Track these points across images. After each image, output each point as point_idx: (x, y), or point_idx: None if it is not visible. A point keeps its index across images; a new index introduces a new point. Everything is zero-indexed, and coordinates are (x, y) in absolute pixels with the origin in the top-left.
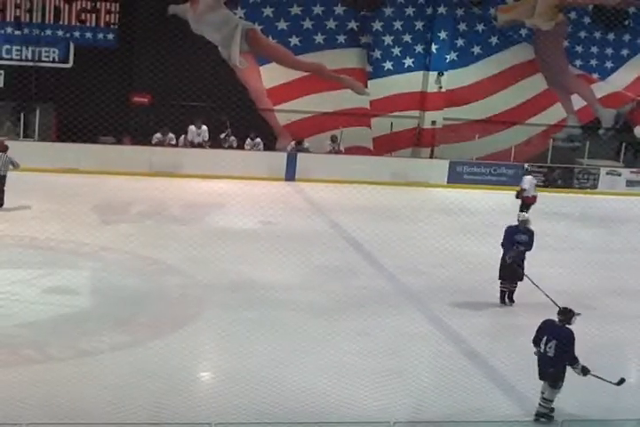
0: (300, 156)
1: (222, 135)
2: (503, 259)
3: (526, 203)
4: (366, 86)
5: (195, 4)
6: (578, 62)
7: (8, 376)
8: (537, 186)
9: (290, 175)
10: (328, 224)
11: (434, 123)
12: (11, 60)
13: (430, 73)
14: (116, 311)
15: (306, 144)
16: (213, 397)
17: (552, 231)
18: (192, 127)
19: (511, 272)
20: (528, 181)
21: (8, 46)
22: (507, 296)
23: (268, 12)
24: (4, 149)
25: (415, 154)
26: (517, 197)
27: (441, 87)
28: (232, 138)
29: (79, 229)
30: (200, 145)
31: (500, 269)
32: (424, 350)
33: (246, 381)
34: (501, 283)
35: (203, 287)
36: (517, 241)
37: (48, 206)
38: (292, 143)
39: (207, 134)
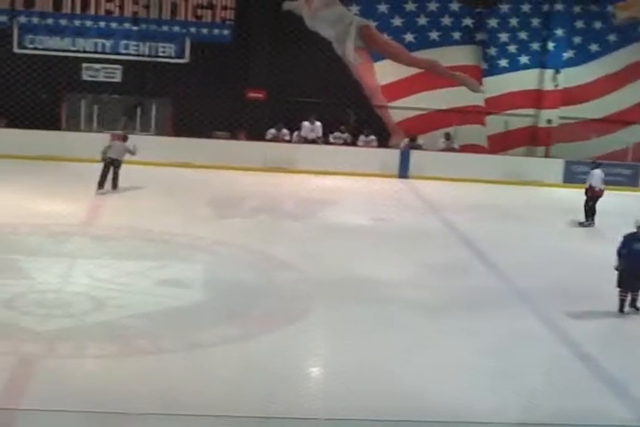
0: (413, 153)
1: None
2: (620, 266)
3: (594, 196)
4: (481, 84)
5: (310, 0)
6: None
7: (121, 366)
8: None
9: (403, 172)
10: (440, 222)
11: (549, 121)
12: (128, 55)
13: (546, 71)
14: (229, 305)
15: (420, 141)
16: (323, 392)
17: None
18: (306, 123)
19: (630, 280)
20: (597, 176)
21: (126, 42)
22: (628, 304)
23: (382, 8)
24: (124, 139)
25: (530, 153)
26: (586, 194)
27: (557, 85)
28: (346, 134)
29: (194, 223)
30: (314, 141)
31: (619, 276)
32: (535, 351)
33: (357, 377)
34: (620, 291)
35: (314, 283)
36: (636, 249)
37: (164, 200)
38: (406, 140)
39: (321, 130)
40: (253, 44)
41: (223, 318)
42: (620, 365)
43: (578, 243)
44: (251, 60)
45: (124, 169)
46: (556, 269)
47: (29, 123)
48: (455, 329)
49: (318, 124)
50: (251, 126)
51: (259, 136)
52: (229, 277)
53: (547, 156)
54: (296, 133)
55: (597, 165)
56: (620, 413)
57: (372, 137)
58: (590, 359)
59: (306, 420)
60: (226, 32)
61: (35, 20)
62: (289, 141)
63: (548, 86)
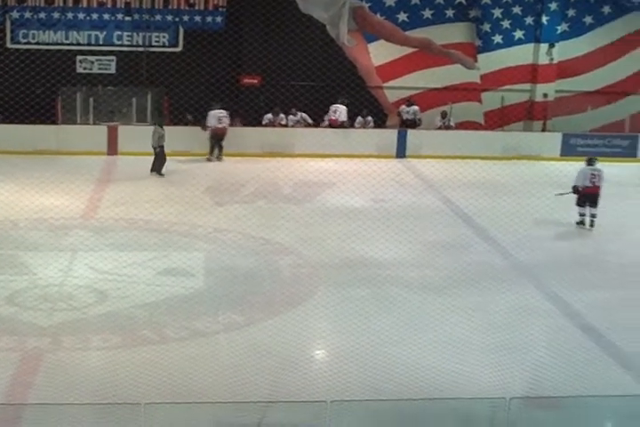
0: (410, 132)
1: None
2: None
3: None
4: (476, 60)
5: None
6: None
7: (126, 357)
8: None
9: (400, 152)
10: (440, 200)
11: (545, 95)
12: (122, 46)
13: (541, 45)
14: (231, 292)
15: (415, 107)
16: (329, 374)
17: None
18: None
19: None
20: (580, 173)
21: (119, 33)
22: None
23: None
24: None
25: (527, 127)
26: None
27: (552, 59)
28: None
29: (192, 212)
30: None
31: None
32: (539, 324)
33: (362, 358)
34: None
35: (315, 266)
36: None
37: (162, 190)
38: (403, 106)
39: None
40: (247, 30)
41: (226, 304)
42: (622, 335)
43: (576, 215)
44: (244, 46)
45: (122, 160)
46: (556, 242)
47: (25, 118)
48: (457, 306)
49: (343, 107)
50: (247, 112)
51: (255, 122)
52: (230, 264)
53: (544, 130)
54: (299, 116)
55: (589, 161)
56: (624, 382)
57: (370, 118)
58: (594, 330)
59: (312, 403)
60: (219, 19)
61: (27, 14)
62: (285, 126)
63: (543, 60)
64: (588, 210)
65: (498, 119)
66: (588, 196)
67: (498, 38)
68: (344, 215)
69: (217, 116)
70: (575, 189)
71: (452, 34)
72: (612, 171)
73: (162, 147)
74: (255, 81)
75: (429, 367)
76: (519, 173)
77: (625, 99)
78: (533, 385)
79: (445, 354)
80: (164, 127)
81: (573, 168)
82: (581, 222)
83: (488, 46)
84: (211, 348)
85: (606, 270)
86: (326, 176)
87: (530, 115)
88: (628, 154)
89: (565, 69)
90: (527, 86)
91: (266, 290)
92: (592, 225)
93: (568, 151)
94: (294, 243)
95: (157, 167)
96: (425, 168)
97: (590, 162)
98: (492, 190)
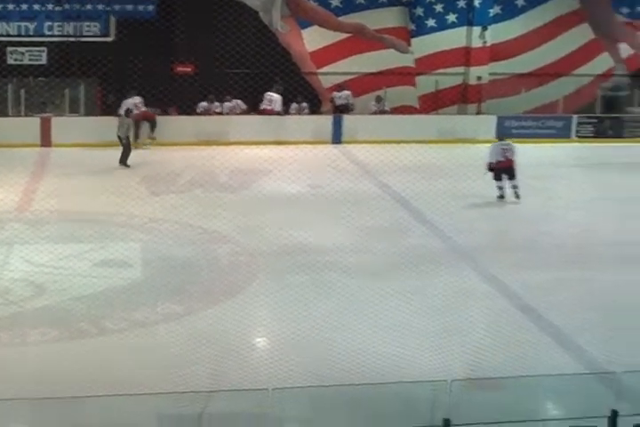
0: (345, 118)
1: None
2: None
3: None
4: (409, 45)
5: None
6: (625, 10)
7: (65, 351)
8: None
9: (336, 138)
10: (376, 185)
11: (479, 78)
12: (52, 36)
13: (474, 28)
14: (169, 282)
15: (347, 92)
16: (270, 362)
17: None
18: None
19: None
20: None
21: (50, 23)
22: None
23: None
24: None
25: (461, 111)
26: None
27: (485, 42)
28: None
29: (128, 202)
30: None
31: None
32: (479, 307)
33: (302, 345)
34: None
35: (254, 254)
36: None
37: (97, 180)
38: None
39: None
40: (179, 18)
41: (164, 295)
42: (560, 315)
43: (511, 197)
44: (177, 34)
45: (55, 151)
46: (492, 224)
47: None
48: (397, 291)
49: (277, 96)
50: (181, 101)
51: (190, 110)
52: (168, 254)
53: (478, 113)
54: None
55: (499, 138)
56: (563, 362)
57: (305, 104)
58: (533, 311)
59: (254, 391)
60: (150, 7)
61: None
62: (220, 114)
63: (477, 44)
64: (507, 183)
65: (432, 103)
66: (502, 169)
67: (431, 22)
68: (281, 202)
69: (133, 103)
70: (490, 166)
71: (385, 18)
72: (546, 152)
73: (128, 138)
74: (189, 69)
75: (370, 352)
76: (455, 156)
77: (557, 80)
78: (474, 367)
79: (386, 338)
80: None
81: None
82: (501, 196)
83: (421, 30)
84: (150, 338)
85: (542, 252)
86: (262, 163)
87: (464, 98)
88: (561, 135)
89: (499, 52)
90: (461, 70)
91: (204, 279)
92: (517, 197)
93: (503, 134)
94: (232, 231)
95: (125, 159)
96: (361, 153)
97: (500, 138)
98: (428, 174)
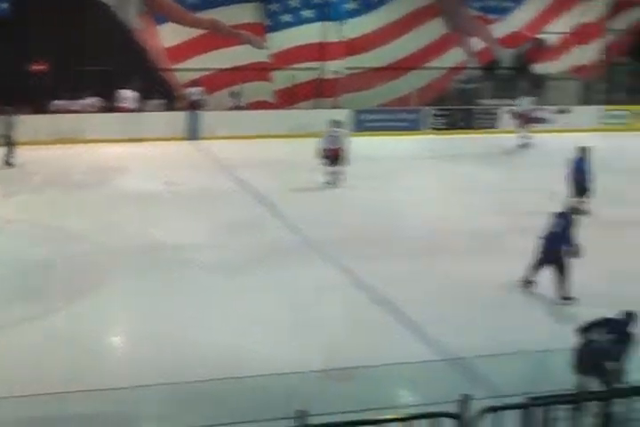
0: (202, 114)
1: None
2: None
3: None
4: (265, 40)
5: None
6: (477, 4)
7: None
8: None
9: (192, 134)
10: (233, 181)
11: (335, 73)
12: None
13: (330, 23)
14: (25, 282)
15: (199, 88)
16: (129, 360)
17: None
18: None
19: None
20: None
21: None
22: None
23: None
24: None
25: (317, 105)
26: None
27: (342, 37)
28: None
29: None
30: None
31: None
32: (335, 299)
33: (160, 342)
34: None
35: (110, 252)
36: None
37: None
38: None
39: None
40: (33, 15)
41: (20, 296)
42: (414, 306)
43: (364, 191)
44: (32, 32)
45: None
46: (345, 218)
47: None
48: (254, 286)
49: (132, 94)
50: (36, 99)
51: (44, 108)
52: (22, 255)
53: (334, 107)
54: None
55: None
56: (419, 352)
57: (161, 101)
58: (387, 302)
59: (111, 391)
60: (4, 5)
61: None
62: (76, 111)
63: (333, 38)
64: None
65: (288, 98)
66: (329, 157)
67: (287, 17)
68: (139, 200)
69: None
70: (320, 152)
71: (240, 14)
72: (400, 145)
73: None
74: (43, 67)
75: (227, 347)
76: (310, 151)
77: (411, 73)
78: (330, 359)
79: (244, 333)
80: None
81: (364, 143)
82: (327, 182)
83: (277, 26)
84: (7, 340)
85: (395, 244)
86: (119, 161)
87: (319, 92)
88: (413, 127)
89: (355, 47)
90: (317, 64)
91: (61, 279)
92: (335, 183)
93: (358, 127)
94: (89, 230)
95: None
96: (217, 149)
97: (333, 125)
98: (284, 168)
